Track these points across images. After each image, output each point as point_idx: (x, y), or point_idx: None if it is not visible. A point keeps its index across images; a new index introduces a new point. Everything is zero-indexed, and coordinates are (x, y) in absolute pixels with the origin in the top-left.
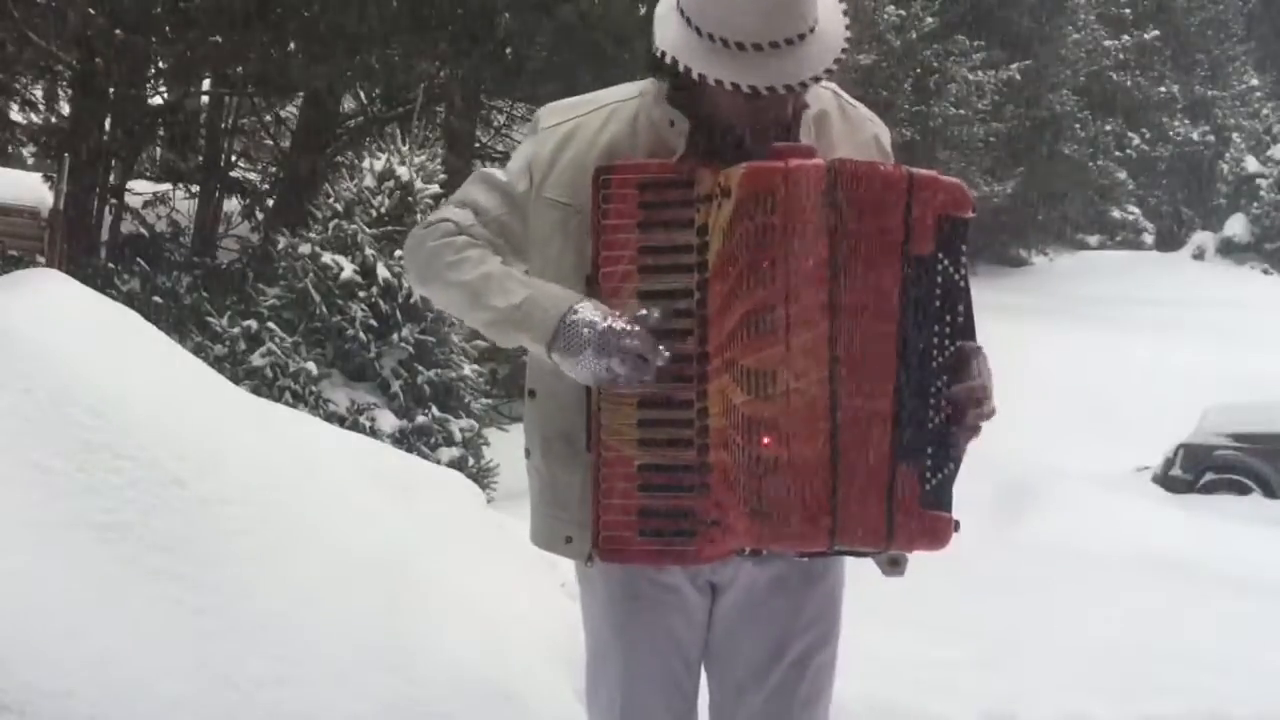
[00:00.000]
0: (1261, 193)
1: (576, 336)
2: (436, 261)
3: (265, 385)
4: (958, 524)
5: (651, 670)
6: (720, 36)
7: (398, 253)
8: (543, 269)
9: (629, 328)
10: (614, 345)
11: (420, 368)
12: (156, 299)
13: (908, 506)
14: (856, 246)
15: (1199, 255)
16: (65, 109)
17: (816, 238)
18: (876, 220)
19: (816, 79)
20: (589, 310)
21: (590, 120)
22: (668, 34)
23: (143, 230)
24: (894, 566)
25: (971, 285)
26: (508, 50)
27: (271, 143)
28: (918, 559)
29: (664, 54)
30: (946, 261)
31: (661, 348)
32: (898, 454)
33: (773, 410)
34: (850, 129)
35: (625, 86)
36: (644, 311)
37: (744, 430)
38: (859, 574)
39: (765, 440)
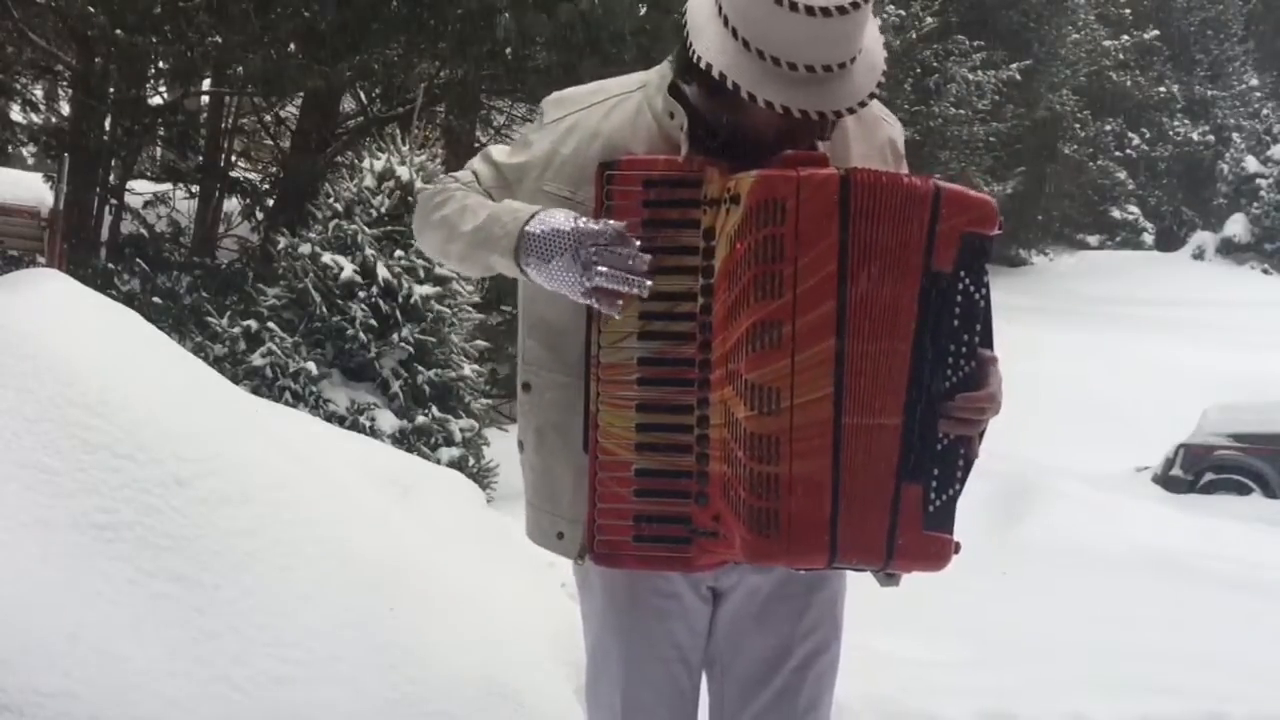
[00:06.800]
0: (1261, 193)
1: (545, 243)
2: (426, 205)
3: (265, 385)
4: (958, 546)
5: (652, 675)
6: (771, 55)
7: (398, 253)
8: None
9: (602, 226)
10: (588, 242)
11: (420, 368)
12: (156, 299)
13: (910, 527)
14: (870, 259)
15: (1199, 255)
16: (65, 109)
17: (827, 250)
18: (893, 232)
19: (863, 104)
20: (553, 216)
21: (592, 113)
22: (710, 44)
23: (143, 230)
24: (890, 578)
25: None
26: (508, 50)
27: (271, 143)
28: None
29: (709, 66)
30: (968, 279)
31: (642, 252)
32: (903, 473)
33: (775, 426)
34: (864, 130)
35: (631, 76)
36: (612, 221)
37: (746, 446)
38: (858, 574)
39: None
